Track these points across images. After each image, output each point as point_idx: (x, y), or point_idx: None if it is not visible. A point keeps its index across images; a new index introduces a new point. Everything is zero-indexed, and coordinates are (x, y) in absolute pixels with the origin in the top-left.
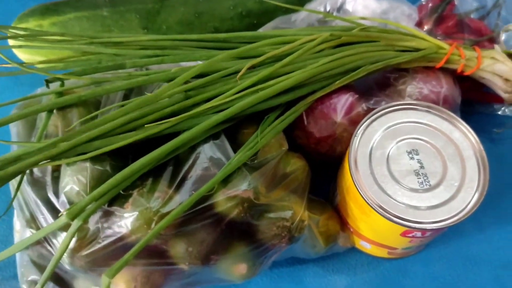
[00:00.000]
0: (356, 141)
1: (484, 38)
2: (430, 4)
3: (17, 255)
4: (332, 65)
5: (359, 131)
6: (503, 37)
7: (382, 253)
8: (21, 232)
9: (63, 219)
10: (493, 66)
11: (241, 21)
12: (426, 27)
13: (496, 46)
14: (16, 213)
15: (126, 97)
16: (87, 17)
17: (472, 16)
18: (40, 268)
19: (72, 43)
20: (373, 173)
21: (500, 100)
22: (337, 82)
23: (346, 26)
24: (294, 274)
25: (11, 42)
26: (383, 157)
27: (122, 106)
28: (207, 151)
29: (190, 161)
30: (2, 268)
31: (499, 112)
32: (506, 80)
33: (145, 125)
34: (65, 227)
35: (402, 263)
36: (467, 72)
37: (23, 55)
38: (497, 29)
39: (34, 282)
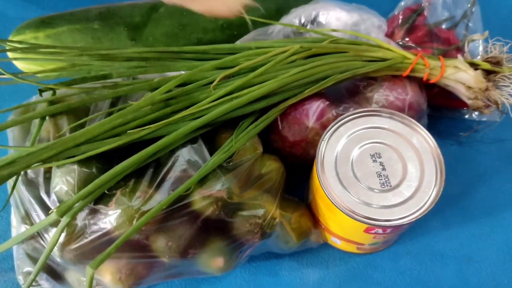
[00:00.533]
0: (323, 145)
1: (452, 48)
2: (401, 15)
3: (14, 249)
4: (302, 75)
5: (326, 136)
6: (467, 47)
7: (351, 248)
8: (17, 227)
9: (53, 216)
10: (455, 75)
11: (223, 32)
12: (397, 37)
13: (459, 56)
14: (13, 210)
15: (113, 104)
16: (79, 29)
17: (442, 26)
18: (34, 261)
19: (64, 55)
20: (338, 174)
21: (466, 105)
22: (307, 90)
23: (318, 38)
24: (271, 267)
25: (9, 53)
26: (348, 160)
27: (109, 114)
28: (185, 154)
29: (169, 164)
30: (0, 261)
31: (466, 116)
32: (469, 87)
33: (128, 131)
34: (55, 223)
35: (371, 257)
36: (432, 80)
37: (20, 65)
38: (465, 39)
39: (29, 273)
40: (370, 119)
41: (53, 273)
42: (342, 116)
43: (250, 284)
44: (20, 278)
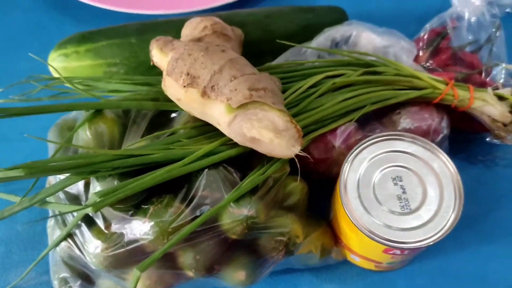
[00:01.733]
0: (346, 167)
1: (475, 72)
2: (426, 38)
3: (50, 255)
4: (334, 109)
5: (349, 158)
6: (500, 76)
7: (369, 266)
8: (52, 232)
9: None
10: (482, 108)
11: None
12: (422, 60)
13: (489, 89)
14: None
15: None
16: (117, 44)
17: (467, 49)
18: (70, 267)
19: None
20: (360, 196)
21: (487, 129)
22: (338, 122)
23: (351, 60)
24: (290, 281)
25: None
26: (370, 182)
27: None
28: (217, 173)
29: (200, 183)
30: (38, 264)
31: (487, 139)
32: (494, 120)
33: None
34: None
35: (388, 275)
36: (460, 109)
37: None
38: (488, 63)
39: (64, 279)
40: (392, 143)
41: (87, 279)
42: (365, 139)
43: None
44: (56, 283)
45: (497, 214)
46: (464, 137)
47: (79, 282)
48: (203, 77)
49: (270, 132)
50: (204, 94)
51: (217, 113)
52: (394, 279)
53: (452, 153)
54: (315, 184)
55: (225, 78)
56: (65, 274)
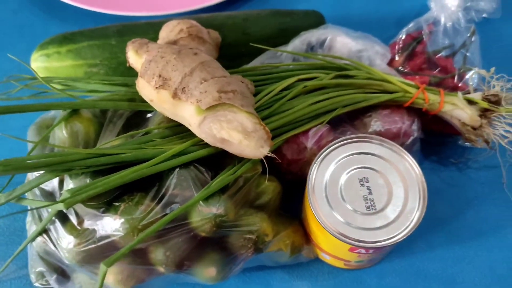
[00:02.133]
0: (315, 168)
1: (448, 76)
2: (401, 42)
3: (28, 249)
4: (305, 111)
5: (318, 159)
6: (471, 80)
7: (340, 264)
8: (30, 228)
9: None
10: (452, 112)
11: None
12: (397, 64)
13: (459, 93)
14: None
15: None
16: (97, 45)
17: (442, 54)
18: (46, 262)
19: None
20: (327, 196)
21: (459, 133)
22: (309, 124)
23: (324, 64)
24: (263, 277)
25: (33, 65)
26: (337, 183)
27: (125, 124)
28: (186, 174)
29: (171, 182)
30: (17, 258)
31: (459, 142)
32: (464, 123)
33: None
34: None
35: (358, 273)
36: (431, 113)
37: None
38: (463, 68)
39: (41, 273)
40: (360, 145)
41: (63, 274)
42: (334, 141)
43: None
44: (33, 277)
45: (467, 215)
46: (437, 140)
47: (54, 276)
48: (174, 79)
49: (239, 134)
50: (175, 95)
51: (187, 115)
52: (364, 278)
53: (425, 155)
54: (289, 184)
55: (195, 81)
56: (41, 268)
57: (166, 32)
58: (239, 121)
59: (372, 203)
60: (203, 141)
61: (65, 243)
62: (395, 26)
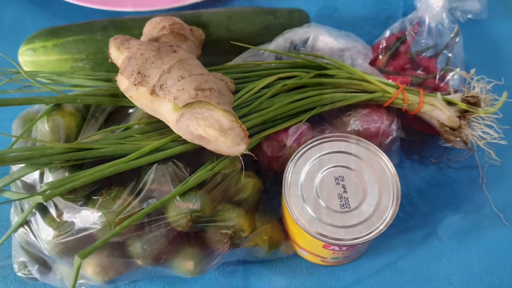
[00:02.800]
0: (291, 166)
1: (429, 77)
2: (385, 42)
3: (12, 239)
4: (285, 109)
5: (295, 157)
6: (451, 81)
7: (317, 260)
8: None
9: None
10: (431, 112)
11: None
12: (380, 63)
13: (438, 94)
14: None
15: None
16: (83, 40)
17: (426, 54)
18: (28, 253)
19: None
20: (303, 194)
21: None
22: (289, 122)
23: (305, 63)
24: (243, 272)
25: (20, 59)
26: (313, 181)
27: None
28: (166, 168)
29: (149, 177)
30: (2, 248)
31: (440, 143)
32: (442, 124)
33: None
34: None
35: (336, 270)
36: (410, 113)
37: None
38: (445, 69)
39: (23, 263)
40: (337, 144)
41: (44, 264)
42: (311, 140)
43: (222, 286)
44: (15, 267)
45: (445, 214)
46: (418, 139)
47: (36, 267)
48: (153, 76)
49: (215, 131)
50: (153, 92)
51: (165, 111)
52: (341, 274)
53: (406, 154)
54: (271, 181)
55: (173, 78)
56: (24, 258)
57: (149, 29)
58: (215, 118)
59: (346, 201)
60: (181, 137)
61: (44, 234)
62: (381, 26)
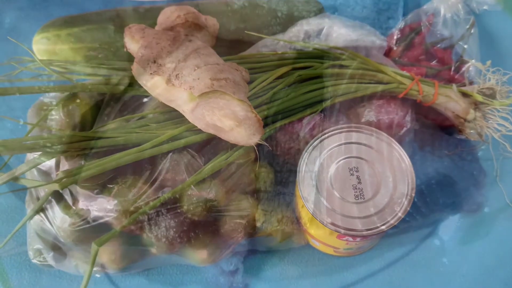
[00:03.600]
0: (305, 156)
1: (444, 68)
2: (400, 33)
3: (27, 227)
4: (300, 99)
5: (309, 148)
6: (467, 72)
7: (329, 251)
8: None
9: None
10: (446, 104)
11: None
12: (395, 54)
13: (453, 85)
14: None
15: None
16: (97, 29)
17: (441, 45)
18: (43, 240)
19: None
20: (317, 184)
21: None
22: (303, 112)
23: (320, 53)
24: (255, 261)
25: (35, 47)
26: (327, 172)
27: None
28: (181, 158)
29: (166, 166)
30: (17, 235)
31: (454, 135)
32: (458, 116)
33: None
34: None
35: (348, 260)
36: (425, 104)
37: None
38: (461, 60)
39: (38, 250)
40: (351, 135)
41: (59, 251)
42: (325, 131)
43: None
44: (31, 254)
45: (458, 207)
46: (432, 131)
47: (51, 254)
48: (169, 65)
49: (230, 121)
50: (168, 81)
51: (181, 100)
52: (354, 265)
53: (420, 146)
54: (284, 171)
55: (189, 67)
56: (39, 245)
57: (164, 18)
58: (231, 108)
59: (361, 192)
60: (196, 127)
61: (60, 222)
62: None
